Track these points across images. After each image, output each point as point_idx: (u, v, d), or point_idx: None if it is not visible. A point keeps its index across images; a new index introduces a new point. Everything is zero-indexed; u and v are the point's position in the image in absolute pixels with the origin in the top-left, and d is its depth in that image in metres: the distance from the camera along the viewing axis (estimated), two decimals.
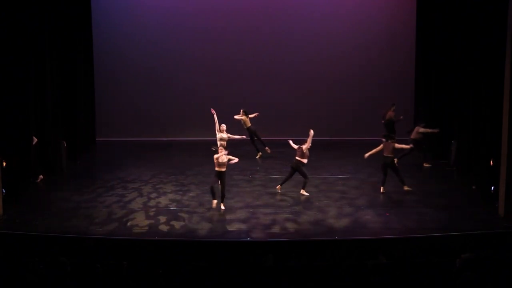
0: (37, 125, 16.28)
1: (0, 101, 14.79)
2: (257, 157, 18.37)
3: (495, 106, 14.35)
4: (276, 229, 12.79)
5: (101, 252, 11.52)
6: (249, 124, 18.25)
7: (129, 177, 16.35)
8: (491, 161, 14.01)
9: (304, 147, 14.62)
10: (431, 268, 9.78)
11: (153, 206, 14.21)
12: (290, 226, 12.98)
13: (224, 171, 13.87)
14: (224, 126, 16.48)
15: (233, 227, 12.91)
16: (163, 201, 14.55)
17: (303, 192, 14.85)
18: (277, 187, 15.10)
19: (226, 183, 14.03)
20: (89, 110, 20.04)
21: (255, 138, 18.34)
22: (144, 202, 14.47)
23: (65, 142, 17.28)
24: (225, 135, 16.45)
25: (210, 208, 13.87)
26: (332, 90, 21.13)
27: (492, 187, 14.00)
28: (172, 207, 14.14)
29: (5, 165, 13.94)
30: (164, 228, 12.90)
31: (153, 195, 15.00)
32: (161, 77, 21.03)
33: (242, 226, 12.93)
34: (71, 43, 18.19)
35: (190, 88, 21.13)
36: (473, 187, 15.22)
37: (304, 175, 14.85)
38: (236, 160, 14.04)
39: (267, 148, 18.40)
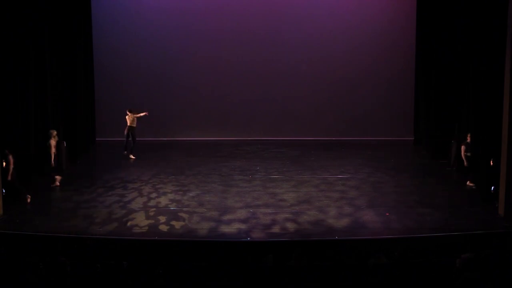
0: (37, 125, 16.27)
1: (0, 100, 14.79)
2: (126, 153, 18.62)
3: (495, 106, 14.33)
4: (276, 229, 12.78)
5: (101, 252, 11.50)
6: (135, 124, 18.55)
7: (129, 177, 16.35)
8: (491, 161, 13.99)
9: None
10: (431, 268, 9.76)
11: (153, 206, 14.20)
12: (290, 226, 12.96)
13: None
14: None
15: (233, 227, 12.91)
16: (163, 201, 14.55)
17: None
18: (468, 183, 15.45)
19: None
20: (89, 110, 20.05)
21: (130, 139, 18.62)
22: (144, 202, 14.47)
23: (65, 142, 17.29)
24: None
25: (210, 208, 13.92)
26: (332, 90, 21.14)
27: (492, 187, 13.98)
28: (172, 207, 14.13)
29: (5, 165, 13.92)
30: (164, 228, 12.88)
31: (153, 195, 15.00)
32: (161, 77, 21.04)
33: (242, 226, 12.92)
34: (71, 42, 18.19)
35: (190, 88, 21.15)
36: (474, 187, 15.22)
37: None
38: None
39: (131, 155, 18.60)
